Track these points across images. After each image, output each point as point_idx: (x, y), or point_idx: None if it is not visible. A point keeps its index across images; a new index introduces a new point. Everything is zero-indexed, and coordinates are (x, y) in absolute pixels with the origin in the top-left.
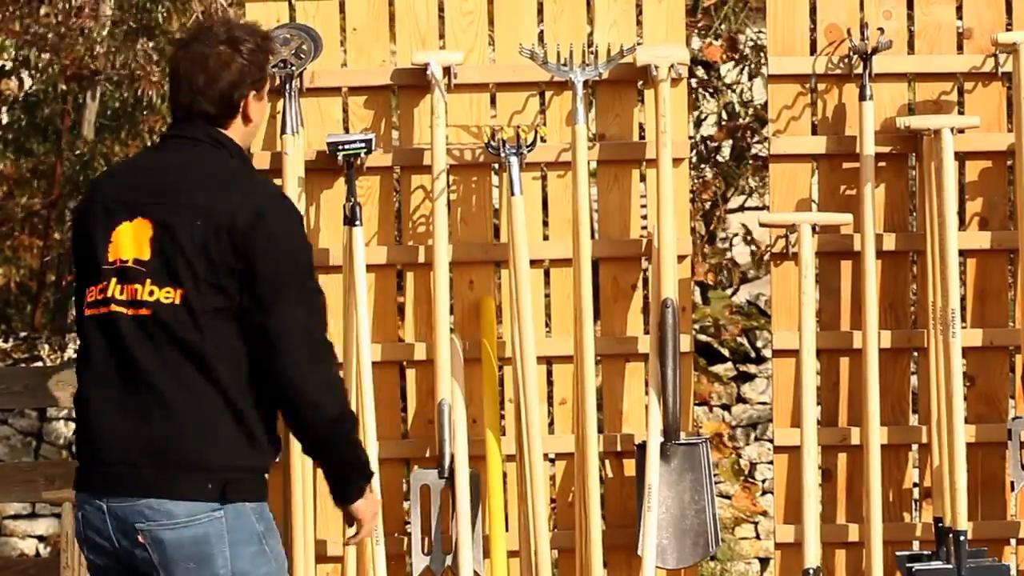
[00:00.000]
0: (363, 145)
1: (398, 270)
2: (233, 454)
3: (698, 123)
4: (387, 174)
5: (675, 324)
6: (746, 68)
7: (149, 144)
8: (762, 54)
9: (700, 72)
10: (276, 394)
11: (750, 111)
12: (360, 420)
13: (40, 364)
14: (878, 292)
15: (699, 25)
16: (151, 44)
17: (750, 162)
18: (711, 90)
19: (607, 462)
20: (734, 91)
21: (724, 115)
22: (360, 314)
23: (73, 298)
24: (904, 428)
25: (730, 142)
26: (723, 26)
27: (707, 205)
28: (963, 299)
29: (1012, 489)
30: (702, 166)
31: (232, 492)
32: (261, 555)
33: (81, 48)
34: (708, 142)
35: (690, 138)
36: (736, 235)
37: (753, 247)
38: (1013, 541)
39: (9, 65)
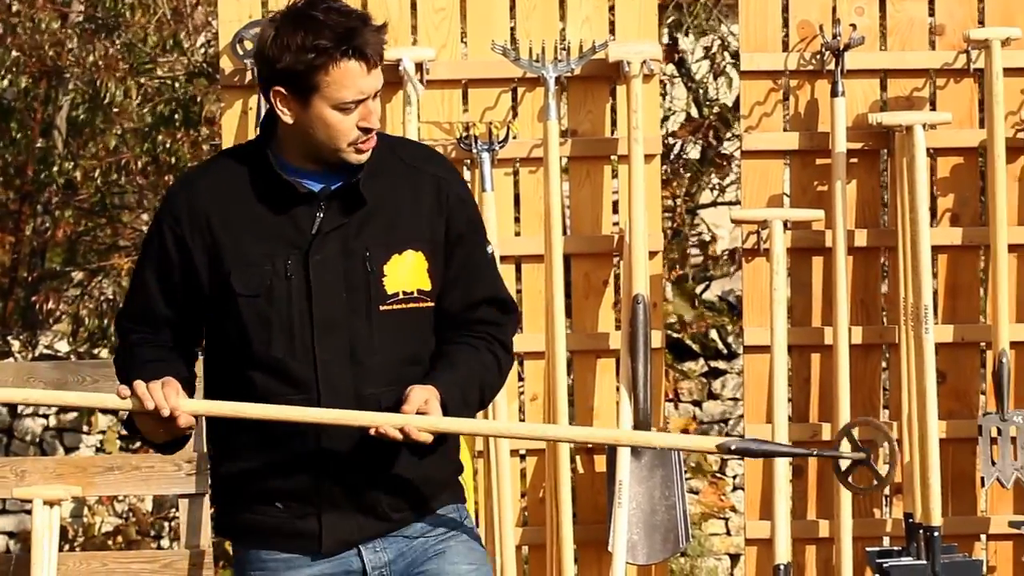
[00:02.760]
0: None
1: None
2: None
3: (664, 119)
4: None
5: (646, 320)
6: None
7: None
8: (727, 53)
9: (670, 68)
10: None
11: (715, 110)
12: None
13: (11, 360)
14: (849, 288)
15: (669, 21)
16: (118, 41)
17: (715, 161)
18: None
19: (578, 458)
20: (702, 87)
21: (692, 110)
22: None
23: None
24: None
25: (696, 141)
26: (695, 22)
27: (676, 202)
28: (935, 295)
29: (982, 485)
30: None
31: None
32: None
33: (47, 45)
34: (671, 139)
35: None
36: (701, 233)
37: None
38: (984, 537)
39: None
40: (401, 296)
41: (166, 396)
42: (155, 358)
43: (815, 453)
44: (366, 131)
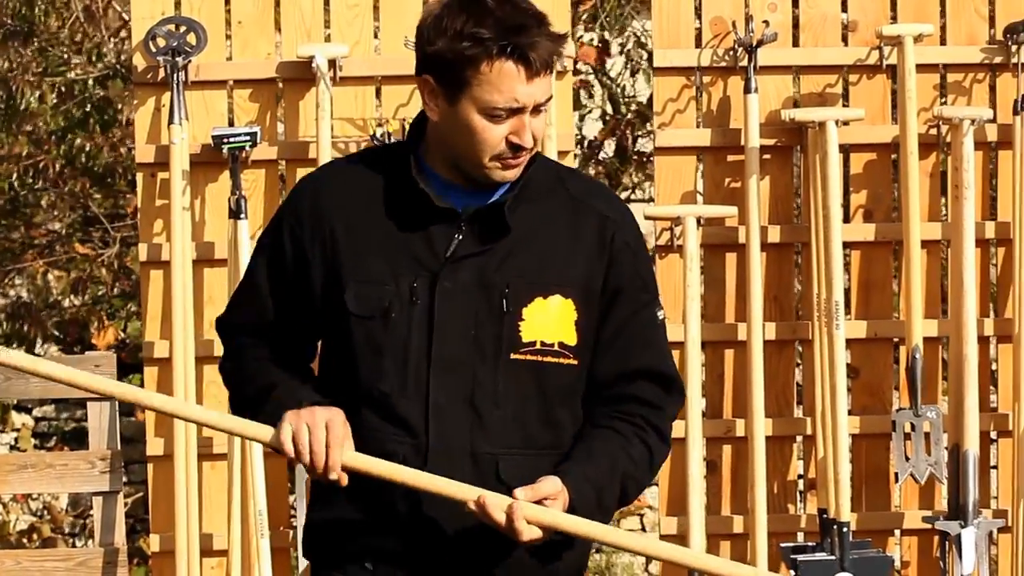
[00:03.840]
0: (248, 138)
1: None
2: None
3: (581, 119)
4: (272, 167)
5: None
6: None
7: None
8: (643, 50)
9: (583, 67)
10: None
11: (632, 107)
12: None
13: None
14: (763, 284)
15: (583, 18)
16: (30, 50)
17: (633, 159)
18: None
19: None
20: (617, 85)
21: (608, 109)
22: None
23: None
24: (788, 420)
25: (613, 140)
26: (607, 19)
27: None
28: (847, 291)
29: (896, 480)
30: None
31: None
32: None
33: None
34: (591, 142)
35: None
36: None
37: None
38: (897, 532)
39: None
40: (539, 346)
41: (330, 452)
42: (286, 376)
43: None
44: (516, 149)
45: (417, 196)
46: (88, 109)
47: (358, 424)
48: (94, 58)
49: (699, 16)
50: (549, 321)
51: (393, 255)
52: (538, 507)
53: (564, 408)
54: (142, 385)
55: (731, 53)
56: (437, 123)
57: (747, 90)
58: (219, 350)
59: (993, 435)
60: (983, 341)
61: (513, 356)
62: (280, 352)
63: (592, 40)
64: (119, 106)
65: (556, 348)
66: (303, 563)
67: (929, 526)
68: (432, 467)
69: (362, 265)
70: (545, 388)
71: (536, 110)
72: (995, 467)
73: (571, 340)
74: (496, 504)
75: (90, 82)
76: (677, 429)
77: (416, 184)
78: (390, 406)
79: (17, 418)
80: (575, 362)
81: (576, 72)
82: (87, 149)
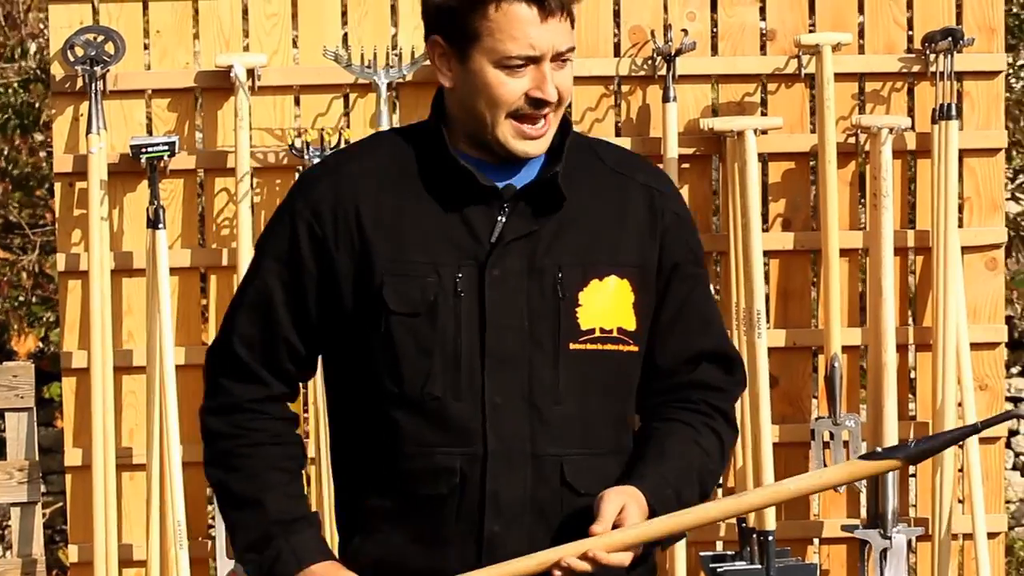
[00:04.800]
0: (167, 148)
1: (202, 273)
2: None
3: None
4: (191, 177)
5: None
6: None
7: None
8: None
9: None
10: None
11: None
12: (163, 424)
13: None
14: None
15: None
16: None
17: None
18: None
19: None
20: None
21: None
22: (163, 317)
23: None
24: None
25: None
26: None
27: None
28: (767, 300)
29: None
30: None
31: None
32: None
33: None
34: None
35: None
36: None
37: None
38: (816, 540)
39: None
40: (598, 334)
41: None
42: (282, 479)
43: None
44: (537, 105)
45: (456, 175)
46: (8, 113)
47: (395, 438)
48: (16, 58)
49: (618, 25)
50: (607, 305)
51: (431, 243)
52: (611, 535)
53: (626, 403)
54: (60, 394)
55: (650, 62)
56: (453, 90)
57: (666, 99)
58: (138, 359)
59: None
60: (902, 349)
61: (572, 347)
62: (277, 394)
63: None
64: (39, 110)
65: (615, 334)
66: (222, 572)
67: (849, 535)
68: (492, 474)
69: (399, 256)
70: (606, 380)
71: (558, 61)
72: (914, 475)
73: (630, 325)
74: (575, 554)
75: (12, 88)
76: None
77: (456, 162)
78: (442, 413)
79: None
80: (635, 348)
81: None
82: (5, 153)
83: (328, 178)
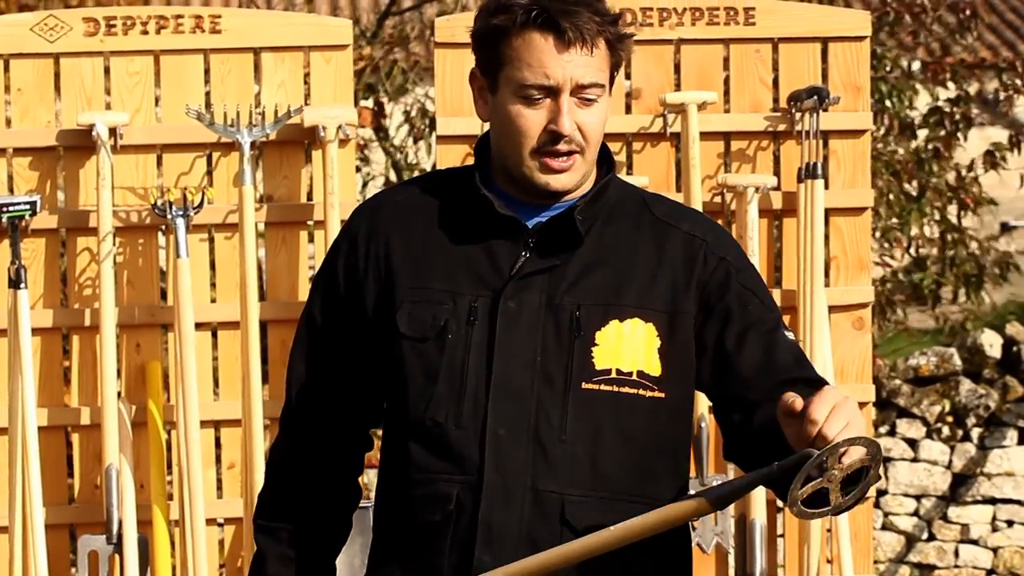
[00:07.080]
0: (28, 207)
1: (64, 333)
2: None
3: (364, 186)
4: (53, 236)
5: None
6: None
7: None
8: (427, 118)
9: (368, 133)
10: None
11: (415, 175)
12: (25, 486)
13: None
14: None
15: (367, 84)
16: None
17: None
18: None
19: None
20: (400, 152)
21: (392, 177)
22: (25, 378)
23: None
24: None
25: None
26: (388, 86)
27: None
28: None
29: None
30: None
31: None
32: None
33: None
34: None
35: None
36: None
37: None
38: None
39: None
40: (614, 375)
41: None
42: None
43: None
44: (555, 139)
45: (479, 205)
46: None
47: (405, 464)
48: None
49: None
50: (626, 347)
51: (452, 272)
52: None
53: (659, 456)
54: None
55: None
56: (491, 124)
57: None
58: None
59: (780, 504)
60: None
61: (585, 386)
62: (340, 444)
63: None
64: None
65: (634, 377)
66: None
67: None
68: (488, 504)
69: (419, 283)
70: (626, 425)
71: (581, 97)
72: (782, 536)
73: (654, 370)
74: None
75: None
76: None
77: (478, 191)
78: (442, 438)
79: None
80: (661, 395)
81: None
82: None
83: (368, 212)
